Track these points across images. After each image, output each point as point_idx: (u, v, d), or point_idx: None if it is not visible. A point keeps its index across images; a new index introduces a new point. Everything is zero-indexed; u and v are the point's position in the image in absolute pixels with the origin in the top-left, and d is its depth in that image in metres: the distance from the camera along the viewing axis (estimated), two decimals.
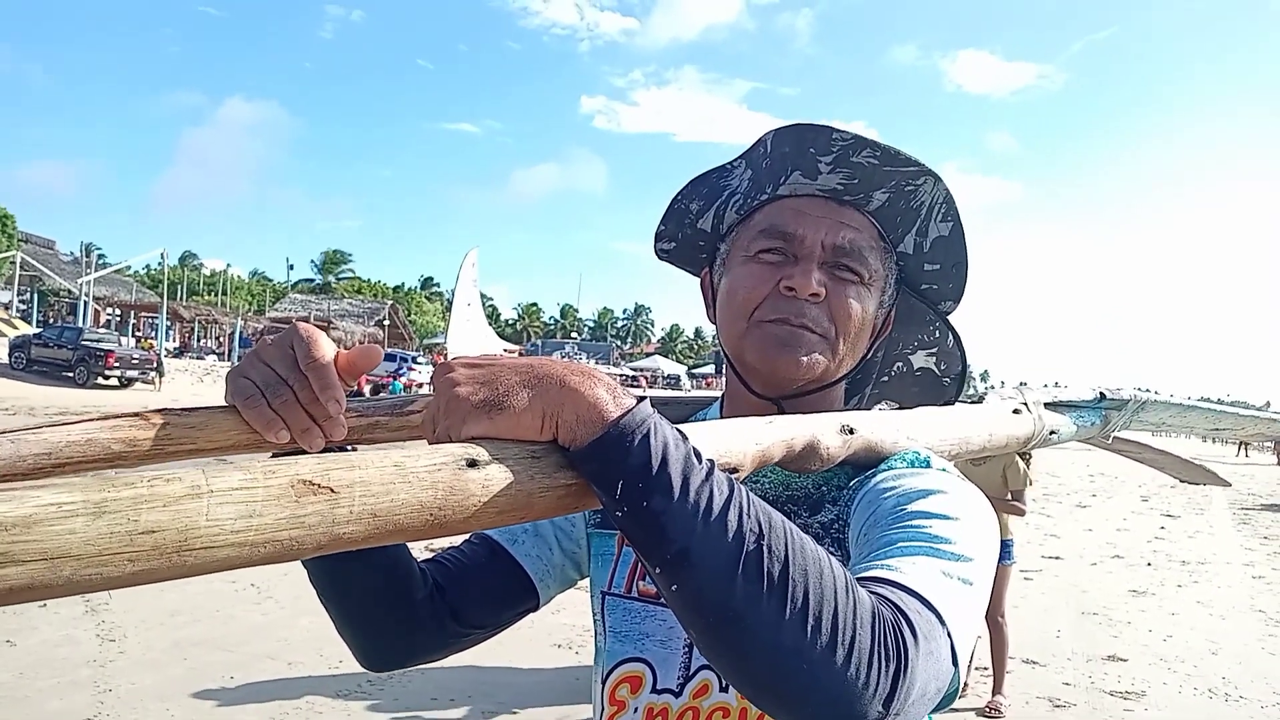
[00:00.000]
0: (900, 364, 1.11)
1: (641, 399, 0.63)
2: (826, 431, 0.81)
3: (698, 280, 1.09)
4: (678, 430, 0.62)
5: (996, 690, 4.82)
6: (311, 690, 4.52)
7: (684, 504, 0.57)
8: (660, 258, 1.12)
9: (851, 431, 0.83)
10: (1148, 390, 1.39)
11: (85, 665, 4.65)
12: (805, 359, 0.92)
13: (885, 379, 1.12)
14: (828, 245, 0.94)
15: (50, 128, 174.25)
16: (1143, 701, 5.12)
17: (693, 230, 1.07)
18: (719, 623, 0.57)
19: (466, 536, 1.04)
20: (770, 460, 0.76)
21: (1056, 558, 9.49)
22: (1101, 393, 1.29)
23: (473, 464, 0.56)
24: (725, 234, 1.04)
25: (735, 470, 0.72)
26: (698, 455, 0.60)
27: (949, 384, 1.10)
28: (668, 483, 0.57)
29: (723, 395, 1.05)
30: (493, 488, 0.56)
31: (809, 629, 0.56)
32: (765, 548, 0.57)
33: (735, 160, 1.02)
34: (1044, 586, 8.03)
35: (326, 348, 0.70)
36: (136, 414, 0.68)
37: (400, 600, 0.91)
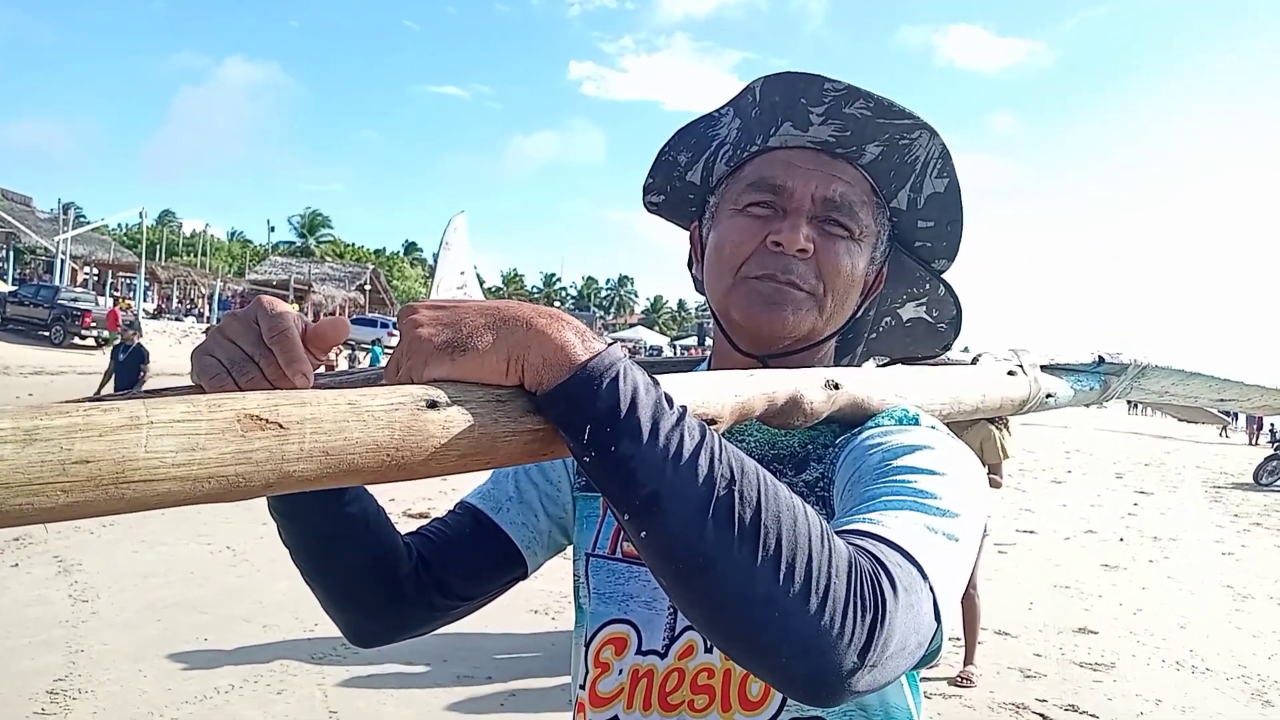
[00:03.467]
0: (889, 318, 1.09)
1: (612, 343, 0.61)
2: (810, 386, 0.78)
3: (686, 236, 1.06)
4: (649, 376, 0.60)
5: (968, 660, 4.88)
6: (286, 654, 4.52)
7: (653, 448, 0.55)
8: (649, 210, 1.09)
9: (836, 387, 0.81)
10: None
11: (57, 625, 4.62)
12: (791, 317, 0.90)
13: (874, 335, 1.09)
14: (818, 198, 0.91)
15: (42, 86, 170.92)
16: (1112, 673, 5.20)
17: (682, 183, 1.04)
18: (689, 570, 0.55)
19: (451, 508, 1.01)
20: (751, 413, 0.74)
21: (1031, 532, 9.59)
22: (1100, 356, 1.26)
23: (433, 405, 0.54)
24: (715, 186, 1.01)
25: (714, 422, 0.69)
26: (669, 400, 0.58)
27: (945, 329, 1.08)
28: (636, 426, 0.55)
29: (710, 353, 1.03)
30: (453, 429, 0.54)
31: (781, 576, 0.54)
32: (736, 493, 0.55)
33: (723, 108, 0.99)
34: (1017, 560, 8.12)
35: (291, 321, 0.67)
36: (99, 398, 0.65)
37: (385, 576, 0.88)
